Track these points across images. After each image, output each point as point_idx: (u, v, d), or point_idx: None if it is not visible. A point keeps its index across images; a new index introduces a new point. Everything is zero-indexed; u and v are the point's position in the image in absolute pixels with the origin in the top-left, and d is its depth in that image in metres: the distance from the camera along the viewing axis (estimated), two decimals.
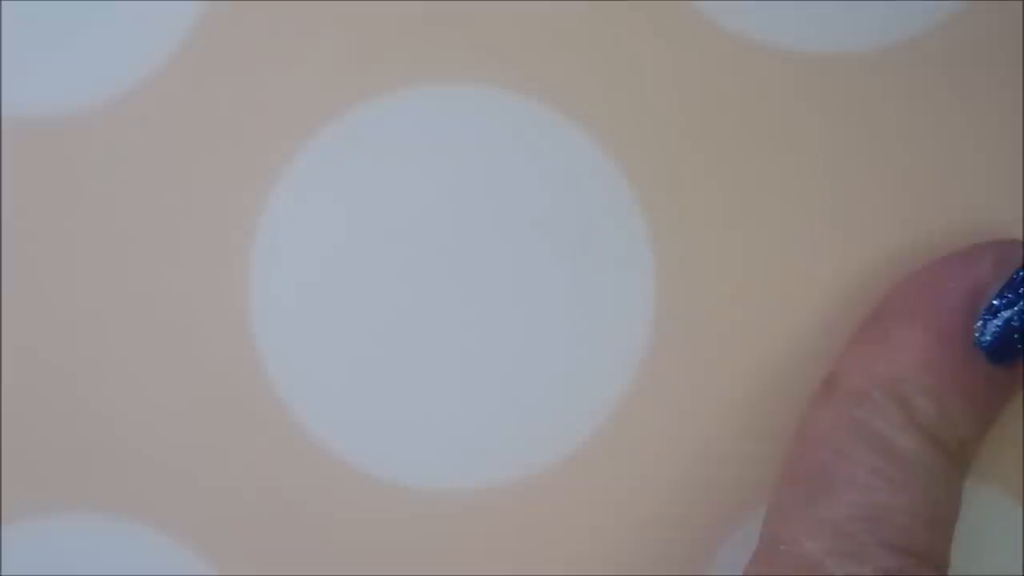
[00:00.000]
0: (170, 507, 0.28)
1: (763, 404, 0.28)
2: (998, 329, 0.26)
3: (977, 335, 0.26)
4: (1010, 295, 0.26)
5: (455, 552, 0.28)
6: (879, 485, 0.26)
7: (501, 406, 0.28)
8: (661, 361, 0.28)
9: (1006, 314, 0.26)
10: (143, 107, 0.29)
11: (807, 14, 0.29)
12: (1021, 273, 0.27)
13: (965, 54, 0.29)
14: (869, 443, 0.26)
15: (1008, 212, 0.28)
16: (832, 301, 0.28)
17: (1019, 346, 0.26)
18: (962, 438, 0.26)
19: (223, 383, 0.28)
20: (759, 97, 0.29)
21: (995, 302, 0.26)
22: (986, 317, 0.26)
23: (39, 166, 0.29)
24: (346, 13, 0.29)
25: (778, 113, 0.29)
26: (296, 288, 0.29)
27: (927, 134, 0.29)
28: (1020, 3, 0.28)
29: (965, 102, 0.29)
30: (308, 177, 0.29)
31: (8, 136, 0.29)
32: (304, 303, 0.29)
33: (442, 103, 0.29)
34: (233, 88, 0.29)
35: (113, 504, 0.28)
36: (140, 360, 0.28)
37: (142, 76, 0.29)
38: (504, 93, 0.29)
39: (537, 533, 0.28)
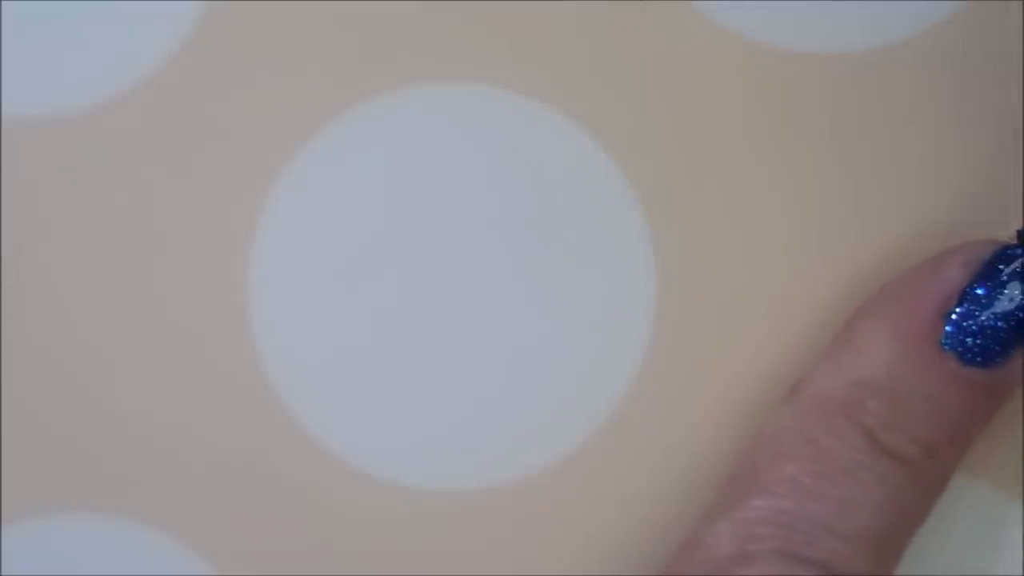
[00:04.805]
0: (170, 507, 0.28)
1: (763, 404, 0.28)
2: (968, 330, 0.26)
3: (943, 337, 0.26)
4: (978, 297, 0.26)
5: (455, 552, 0.28)
6: (792, 492, 0.25)
7: (501, 406, 0.28)
8: (661, 361, 0.28)
9: (976, 314, 0.26)
10: (143, 107, 0.29)
11: (807, 14, 0.29)
12: (1001, 271, 0.26)
13: (965, 54, 0.29)
14: (808, 448, 0.26)
15: (1007, 212, 0.28)
16: (831, 300, 0.28)
17: (995, 347, 0.26)
18: (925, 443, 0.26)
19: (223, 383, 0.28)
20: (759, 97, 0.29)
21: (962, 303, 0.26)
22: (955, 318, 0.26)
23: (39, 166, 0.29)
24: (346, 13, 0.29)
25: (778, 113, 0.29)
26: (296, 288, 0.29)
27: (926, 134, 0.29)
28: (1020, 3, 0.29)
29: (965, 102, 0.29)
30: (308, 177, 0.29)
31: (8, 136, 0.29)
32: (304, 303, 0.29)
33: (442, 103, 0.29)
34: (233, 88, 0.29)
35: (113, 504, 0.28)
36: (140, 360, 0.28)
37: (142, 76, 0.29)
38: (504, 93, 0.29)
39: (537, 533, 0.28)
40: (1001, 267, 0.26)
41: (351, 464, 0.28)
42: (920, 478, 0.26)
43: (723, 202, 0.29)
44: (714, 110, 0.29)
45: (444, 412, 0.28)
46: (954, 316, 0.26)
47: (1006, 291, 0.26)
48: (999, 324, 0.26)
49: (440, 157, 0.29)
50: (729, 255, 0.28)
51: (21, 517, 0.28)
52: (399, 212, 0.29)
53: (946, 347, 0.26)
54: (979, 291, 0.26)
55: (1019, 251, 0.26)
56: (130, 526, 0.28)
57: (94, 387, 0.28)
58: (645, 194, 0.28)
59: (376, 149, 0.29)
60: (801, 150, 0.29)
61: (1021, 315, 0.26)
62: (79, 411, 0.28)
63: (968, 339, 0.26)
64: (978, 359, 0.26)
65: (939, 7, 0.29)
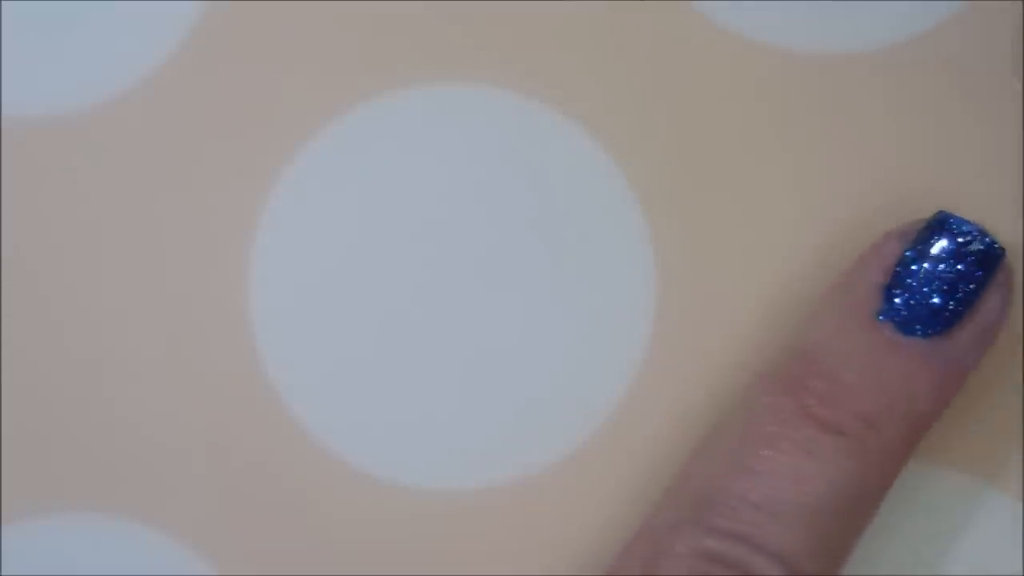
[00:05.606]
0: (170, 507, 0.28)
1: None
2: (902, 298, 0.26)
3: (880, 306, 0.26)
4: (911, 266, 0.26)
5: (455, 552, 0.28)
6: (721, 466, 0.26)
7: (501, 406, 0.28)
8: (661, 361, 0.28)
9: (909, 283, 0.26)
10: (143, 107, 0.29)
11: (807, 14, 0.29)
12: (934, 240, 0.26)
13: (965, 54, 0.29)
14: (745, 424, 0.26)
15: (1007, 211, 0.28)
16: None
17: (929, 315, 0.26)
18: (864, 414, 0.26)
19: (223, 383, 0.28)
20: (759, 97, 0.29)
21: (896, 274, 0.26)
22: (889, 288, 0.26)
23: (39, 166, 0.29)
24: (346, 13, 0.29)
25: (778, 113, 0.29)
26: (296, 288, 0.29)
27: (926, 134, 0.29)
28: (1020, 3, 0.29)
29: (965, 102, 0.29)
30: (308, 177, 0.29)
31: (8, 136, 0.29)
32: (304, 303, 0.29)
33: (442, 103, 0.29)
34: (233, 88, 0.29)
35: (113, 504, 0.28)
36: (140, 360, 0.28)
37: (142, 76, 0.29)
38: (504, 93, 0.29)
39: (537, 533, 0.28)
40: (934, 237, 0.26)
41: (351, 464, 0.28)
42: (860, 452, 0.26)
43: (723, 202, 0.29)
44: (714, 110, 0.29)
45: (444, 412, 0.28)
46: (889, 286, 0.26)
47: (939, 258, 0.26)
48: (932, 292, 0.26)
49: (440, 157, 0.29)
50: (729, 255, 0.28)
51: (21, 517, 0.28)
52: (399, 212, 0.29)
53: (882, 318, 0.26)
54: (913, 261, 0.26)
55: (951, 221, 0.27)
56: (130, 526, 0.28)
57: (94, 387, 0.28)
58: (645, 194, 0.29)
59: (376, 149, 0.29)
60: (801, 150, 0.29)
61: (954, 283, 0.26)
62: (79, 411, 0.28)
63: (903, 308, 0.26)
64: (916, 327, 0.26)
65: (939, 7, 0.29)
